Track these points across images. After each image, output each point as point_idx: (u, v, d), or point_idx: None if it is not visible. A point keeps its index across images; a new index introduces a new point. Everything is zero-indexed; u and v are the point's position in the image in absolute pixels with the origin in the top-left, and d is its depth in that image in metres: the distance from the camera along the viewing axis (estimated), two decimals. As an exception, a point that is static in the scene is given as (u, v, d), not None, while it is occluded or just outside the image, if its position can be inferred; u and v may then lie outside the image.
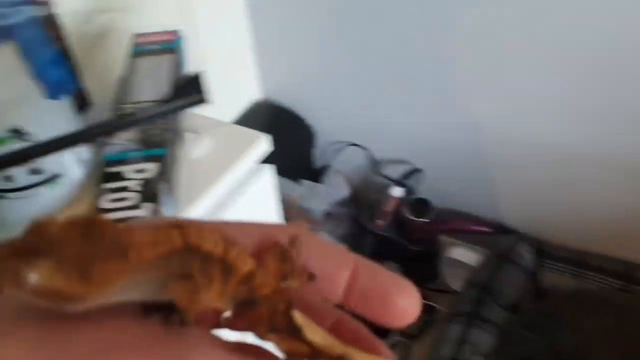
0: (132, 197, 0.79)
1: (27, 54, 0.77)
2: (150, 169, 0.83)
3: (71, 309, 0.17)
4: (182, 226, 0.19)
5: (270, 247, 0.23)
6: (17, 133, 0.78)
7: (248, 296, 0.21)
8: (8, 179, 0.80)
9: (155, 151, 0.87)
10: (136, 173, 0.83)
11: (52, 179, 0.83)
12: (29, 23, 0.77)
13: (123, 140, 0.89)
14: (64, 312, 0.17)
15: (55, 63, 0.79)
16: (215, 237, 0.20)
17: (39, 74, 0.77)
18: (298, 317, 0.21)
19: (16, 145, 0.78)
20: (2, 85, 0.76)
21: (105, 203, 0.79)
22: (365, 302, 0.23)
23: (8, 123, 0.77)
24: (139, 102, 0.96)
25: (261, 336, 0.21)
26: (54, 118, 0.83)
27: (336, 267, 0.23)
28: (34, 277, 0.16)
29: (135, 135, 0.90)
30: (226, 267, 0.20)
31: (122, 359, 0.18)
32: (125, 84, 1.00)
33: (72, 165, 0.86)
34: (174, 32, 1.13)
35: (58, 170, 0.84)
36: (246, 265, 0.21)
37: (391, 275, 0.23)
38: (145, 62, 1.06)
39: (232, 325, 0.22)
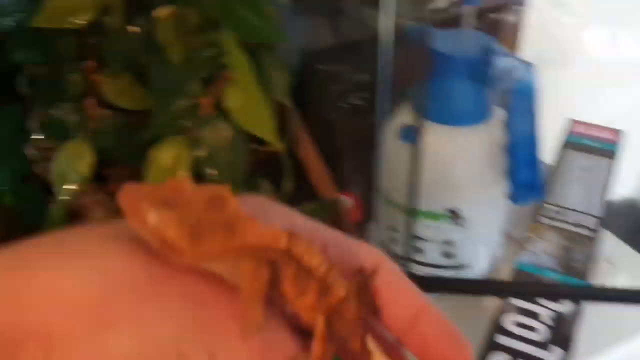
0: (540, 331, 0.71)
1: (513, 131, 0.72)
2: (566, 303, 0.74)
3: (172, 258, 0.21)
4: (294, 236, 0.22)
5: (354, 274, 0.25)
6: (454, 215, 0.76)
7: (334, 317, 0.23)
8: (419, 250, 0.80)
9: (575, 280, 0.77)
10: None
11: (459, 267, 0.81)
12: (522, 92, 0.72)
13: (541, 250, 0.81)
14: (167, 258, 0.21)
15: (531, 160, 0.73)
16: (321, 257, 0.23)
17: (515, 166, 0.72)
18: (371, 344, 0.24)
19: (449, 225, 0.76)
20: (466, 161, 0.74)
21: (506, 320, 0.73)
22: (422, 349, 0.25)
23: (450, 203, 0.76)
24: (563, 207, 0.88)
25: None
26: (492, 212, 0.79)
27: (401, 305, 0.25)
28: (154, 219, 0.20)
29: (555, 248, 0.82)
30: (323, 287, 0.23)
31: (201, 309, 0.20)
32: (553, 175, 0.92)
33: (482, 258, 0.82)
34: (616, 133, 1.00)
35: (468, 261, 0.80)
36: (342, 291, 0.23)
37: (453, 331, 0.25)
38: (578, 158, 0.96)
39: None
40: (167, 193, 0.21)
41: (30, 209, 0.52)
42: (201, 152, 0.50)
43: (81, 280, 0.19)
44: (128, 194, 0.21)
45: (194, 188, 0.21)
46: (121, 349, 0.19)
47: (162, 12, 0.64)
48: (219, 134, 0.51)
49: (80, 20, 0.52)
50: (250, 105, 0.50)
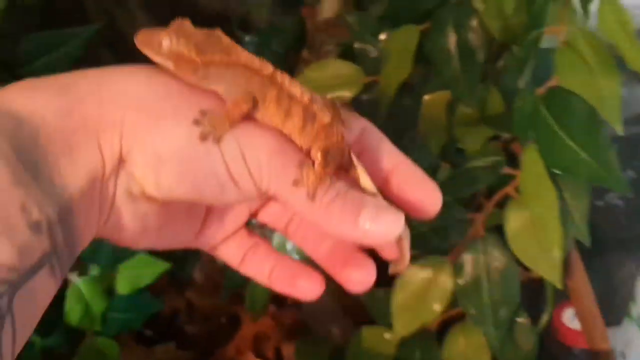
0: None
1: None
2: None
3: (185, 74, 0.27)
4: (278, 70, 0.28)
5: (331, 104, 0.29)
6: None
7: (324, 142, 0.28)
8: None
9: None
10: None
11: None
12: None
13: None
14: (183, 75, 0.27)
15: None
16: (303, 89, 0.28)
17: None
18: (355, 161, 0.29)
19: None
20: None
21: None
22: (400, 194, 0.30)
23: None
24: None
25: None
26: None
27: (383, 159, 0.30)
28: (167, 43, 0.27)
29: None
30: (309, 113, 0.28)
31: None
32: None
33: None
34: None
35: None
36: (327, 117, 0.28)
37: (426, 178, 0.30)
38: None
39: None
40: (173, 29, 0.27)
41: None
42: (460, 281, 0.41)
43: (146, 85, 0.27)
44: (142, 35, 0.27)
45: (191, 26, 0.28)
46: (175, 134, 0.26)
47: (433, 96, 0.59)
48: (488, 261, 0.41)
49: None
50: (535, 234, 0.39)
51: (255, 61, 0.28)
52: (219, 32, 0.29)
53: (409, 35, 0.56)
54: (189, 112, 0.27)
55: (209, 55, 0.27)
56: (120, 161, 0.26)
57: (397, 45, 0.56)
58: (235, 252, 0.32)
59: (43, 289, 0.24)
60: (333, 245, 0.31)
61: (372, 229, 0.27)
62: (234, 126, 0.27)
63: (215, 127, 0.27)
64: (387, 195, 0.30)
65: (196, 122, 0.27)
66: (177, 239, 0.31)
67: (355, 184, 0.29)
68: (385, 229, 0.28)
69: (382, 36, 0.59)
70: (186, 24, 0.28)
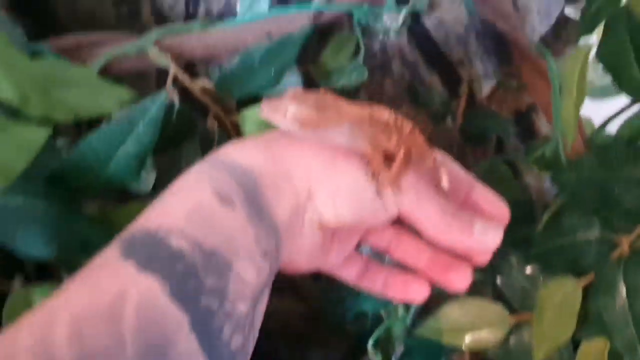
0: None
1: None
2: None
3: (310, 133, 0.32)
4: (374, 107, 0.34)
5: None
6: None
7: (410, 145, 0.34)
8: None
9: None
10: None
11: None
12: None
13: None
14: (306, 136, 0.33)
15: None
16: (389, 112, 0.35)
17: None
18: (439, 157, 0.36)
19: None
20: None
21: None
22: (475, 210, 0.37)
23: None
24: None
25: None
26: None
27: (461, 181, 0.38)
28: (292, 109, 0.32)
29: None
30: (397, 127, 0.34)
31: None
32: None
33: None
34: None
35: None
36: (409, 126, 0.35)
37: (496, 197, 0.38)
38: None
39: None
40: (291, 98, 0.33)
41: None
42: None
43: (316, 147, 0.34)
44: (267, 106, 0.33)
45: (305, 92, 0.34)
46: (347, 173, 0.33)
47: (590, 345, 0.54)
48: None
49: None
50: None
51: (356, 109, 0.34)
52: (324, 93, 0.35)
53: (569, 289, 0.52)
54: (353, 155, 0.34)
55: (328, 113, 0.33)
56: (308, 197, 0.32)
57: (554, 299, 0.53)
58: (350, 270, 0.40)
59: (264, 304, 0.31)
60: (430, 256, 0.39)
61: (483, 239, 0.35)
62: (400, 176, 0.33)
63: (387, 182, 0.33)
64: (467, 209, 0.37)
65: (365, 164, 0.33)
66: (316, 262, 0.37)
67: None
68: (492, 238, 0.36)
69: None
70: (298, 90, 0.34)
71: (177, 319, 0.25)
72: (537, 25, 0.70)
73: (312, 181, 0.33)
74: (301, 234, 0.33)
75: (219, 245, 0.28)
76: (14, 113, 0.34)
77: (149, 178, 0.41)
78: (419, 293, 0.39)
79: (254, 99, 0.46)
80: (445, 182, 0.36)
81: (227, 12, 0.66)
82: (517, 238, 0.60)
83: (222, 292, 0.27)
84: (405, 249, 0.39)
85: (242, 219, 0.29)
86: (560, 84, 0.55)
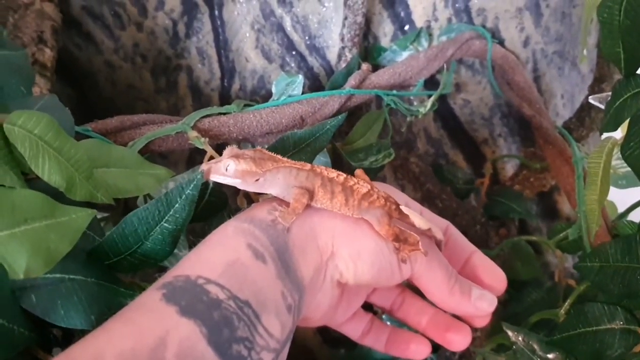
0: None
1: None
2: None
3: (249, 185, 0.35)
4: (315, 166, 0.37)
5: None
6: None
7: (369, 207, 0.36)
8: None
9: None
10: None
11: None
12: None
13: None
14: (247, 187, 0.35)
15: None
16: (338, 172, 0.37)
17: None
18: (404, 209, 0.37)
19: None
20: None
21: None
22: (473, 277, 0.41)
23: None
24: None
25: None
26: None
27: (461, 248, 0.42)
28: (232, 166, 0.34)
29: None
30: (346, 189, 0.36)
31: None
32: None
33: None
34: None
35: None
36: (364, 188, 0.36)
37: (494, 266, 0.42)
38: None
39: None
40: (229, 155, 0.36)
41: None
42: None
43: (340, 217, 0.36)
44: (206, 167, 0.36)
45: (240, 149, 0.36)
46: (369, 237, 0.36)
47: None
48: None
49: None
50: None
51: (295, 162, 0.36)
52: (259, 149, 0.37)
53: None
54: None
55: (265, 166, 0.35)
56: (331, 256, 0.35)
57: None
58: (355, 327, 0.42)
59: (284, 357, 0.32)
60: (431, 316, 0.41)
61: (480, 305, 0.38)
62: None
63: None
64: (465, 275, 0.40)
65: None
66: (326, 318, 0.39)
67: (412, 226, 0.37)
68: (488, 304, 0.39)
69: None
70: (234, 147, 0.36)
71: None
72: (561, 109, 0.72)
73: (336, 241, 0.35)
74: (321, 290, 0.35)
75: (250, 298, 0.29)
76: (59, 194, 0.35)
77: (182, 255, 0.42)
78: (420, 352, 0.41)
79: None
80: (440, 236, 0.39)
81: (261, 88, 0.69)
82: (538, 322, 0.60)
83: (251, 342, 0.28)
84: (408, 309, 0.42)
85: (271, 274, 0.31)
86: (584, 172, 0.56)
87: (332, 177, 0.36)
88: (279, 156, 0.37)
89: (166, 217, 0.37)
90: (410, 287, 0.43)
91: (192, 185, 0.36)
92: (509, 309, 0.67)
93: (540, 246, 0.75)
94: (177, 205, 0.36)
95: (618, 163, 0.57)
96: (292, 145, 0.42)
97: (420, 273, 0.37)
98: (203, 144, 0.43)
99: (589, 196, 0.47)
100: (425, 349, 0.41)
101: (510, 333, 0.55)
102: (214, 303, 0.28)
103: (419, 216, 0.38)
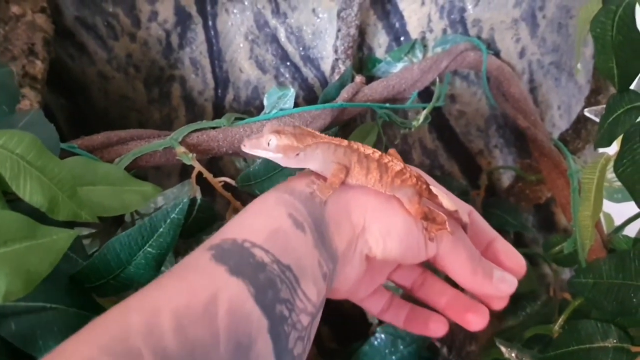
0: None
1: None
2: None
3: (290, 160, 0.36)
4: (352, 142, 0.38)
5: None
6: None
7: (401, 185, 0.37)
8: None
9: None
10: None
11: None
12: None
13: None
14: (288, 161, 0.36)
15: None
16: (374, 149, 0.37)
17: None
18: (434, 189, 0.38)
19: None
20: None
21: None
22: (495, 260, 0.42)
23: None
24: None
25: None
26: None
27: (483, 233, 0.43)
28: (274, 140, 0.35)
29: None
30: (381, 166, 0.37)
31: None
32: None
33: None
34: None
35: None
36: (397, 166, 0.37)
37: (515, 251, 0.43)
38: None
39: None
40: (270, 130, 0.37)
41: None
42: None
43: (373, 194, 0.37)
44: (248, 142, 0.37)
45: (281, 124, 0.39)
46: (400, 215, 0.37)
47: None
48: None
49: None
50: None
51: (333, 138, 0.37)
52: (298, 125, 0.38)
53: None
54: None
55: (305, 141, 0.36)
56: (362, 231, 0.36)
57: None
58: (376, 302, 0.43)
59: (317, 322, 0.34)
60: (451, 296, 0.42)
61: (500, 286, 0.39)
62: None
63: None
64: (487, 258, 0.41)
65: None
66: (350, 292, 0.40)
67: (439, 207, 0.39)
68: (508, 286, 0.40)
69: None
70: (274, 123, 0.39)
71: (259, 322, 0.29)
72: (558, 120, 0.71)
73: (367, 217, 0.36)
74: (351, 263, 0.36)
75: (291, 263, 0.31)
76: (43, 215, 0.35)
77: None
78: (437, 330, 0.43)
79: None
80: (466, 218, 0.40)
81: (255, 99, 0.68)
82: (533, 337, 0.59)
83: (292, 304, 0.31)
84: (428, 289, 0.43)
85: (310, 243, 0.33)
86: (579, 185, 0.56)
87: (368, 153, 0.37)
88: (317, 132, 0.38)
89: (150, 242, 0.36)
90: (430, 268, 0.45)
91: (177, 209, 0.36)
92: (504, 322, 0.66)
93: (536, 260, 0.74)
94: (161, 229, 0.36)
95: (613, 176, 0.56)
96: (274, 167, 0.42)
97: (446, 252, 0.38)
98: (191, 159, 0.43)
99: (582, 212, 0.46)
100: (444, 327, 0.43)
101: (503, 349, 0.54)
102: (259, 265, 0.30)
103: (447, 198, 0.39)
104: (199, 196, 0.44)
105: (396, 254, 0.37)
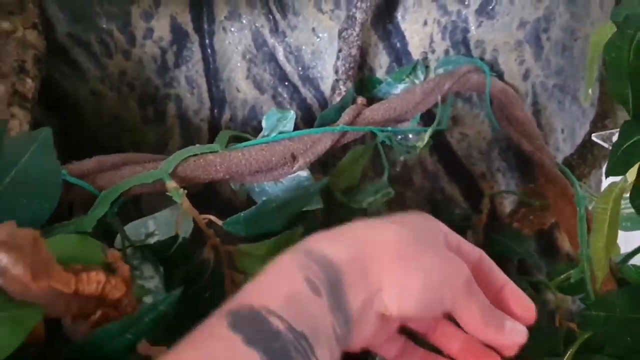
0: None
1: None
2: None
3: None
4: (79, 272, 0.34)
5: None
6: None
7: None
8: None
9: None
10: None
11: None
12: None
13: None
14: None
15: None
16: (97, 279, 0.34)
17: None
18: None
19: None
20: None
21: None
22: (504, 307, 0.41)
23: None
24: None
25: None
26: None
27: (495, 279, 0.42)
28: (4, 259, 0.29)
29: None
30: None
31: None
32: None
33: None
34: None
35: None
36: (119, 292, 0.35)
37: (524, 297, 0.42)
38: None
39: None
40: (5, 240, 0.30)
41: None
42: None
43: (396, 235, 0.37)
44: None
45: (24, 233, 0.31)
46: (416, 274, 0.36)
47: None
48: None
49: None
50: None
51: (63, 276, 0.33)
52: (38, 238, 0.33)
53: None
54: (426, 255, 0.36)
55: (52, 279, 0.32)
56: (378, 290, 0.35)
57: None
58: (390, 347, 0.42)
59: None
60: (463, 343, 0.42)
61: (512, 336, 0.39)
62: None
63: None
64: (496, 304, 0.40)
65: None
66: (365, 344, 0.39)
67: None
68: (519, 335, 0.39)
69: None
70: (21, 232, 0.32)
71: None
72: (562, 144, 0.69)
73: (384, 276, 0.36)
74: (366, 322, 0.36)
75: (306, 330, 0.31)
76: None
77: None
78: None
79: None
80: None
81: (252, 119, 0.66)
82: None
83: None
84: (441, 334, 0.43)
85: (325, 307, 0.33)
86: (587, 214, 0.54)
87: (89, 293, 0.34)
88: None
89: (130, 333, 0.35)
90: None
91: (165, 304, 0.35)
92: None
93: (539, 286, 0.72)
94: (143, 322, 0.35)
95: (622, 204, 0.54)
96: (275, 209, 0.40)
97: (459, 306, 0.38)
98: (181, 196, 0.41)
99: (595, 243, 0.45)
100: None
101: (510, 384, 0.52)
102: (274, 334, 0.30)
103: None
104: (181, 235, 0.42)
105: (412, 312, 0.36)
